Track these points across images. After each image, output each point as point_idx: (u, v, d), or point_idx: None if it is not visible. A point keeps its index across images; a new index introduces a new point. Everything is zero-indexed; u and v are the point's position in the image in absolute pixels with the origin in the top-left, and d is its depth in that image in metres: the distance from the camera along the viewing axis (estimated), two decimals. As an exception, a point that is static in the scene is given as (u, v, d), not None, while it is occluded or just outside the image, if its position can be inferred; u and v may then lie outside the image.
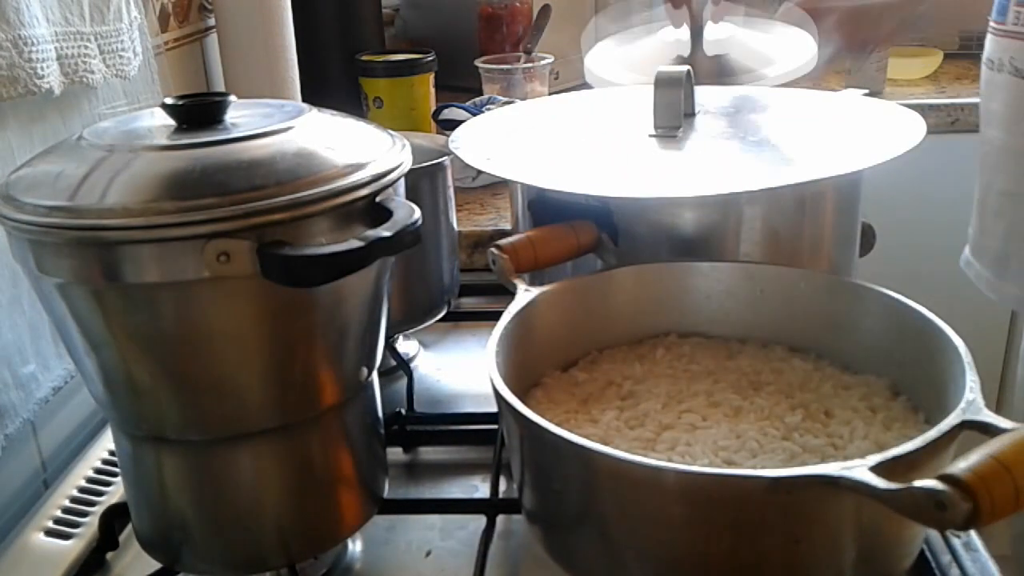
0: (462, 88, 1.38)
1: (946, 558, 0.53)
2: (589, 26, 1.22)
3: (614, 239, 0.63)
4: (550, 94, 1.27)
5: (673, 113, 0.70)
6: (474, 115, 1.06)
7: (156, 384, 0.48)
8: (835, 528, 0.42)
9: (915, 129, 0.65)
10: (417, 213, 0.46)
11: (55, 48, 0.69)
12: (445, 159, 0.76)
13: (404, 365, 0.76)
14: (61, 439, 0.73)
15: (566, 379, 0.58)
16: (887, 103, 0.74)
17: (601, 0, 1.70)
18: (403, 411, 0.72)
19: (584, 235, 0.61)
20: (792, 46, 1.03)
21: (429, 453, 0.70)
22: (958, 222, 1.49)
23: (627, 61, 1.09)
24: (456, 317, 0.91)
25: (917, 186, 1.38)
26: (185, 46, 1.10)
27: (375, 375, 0.56)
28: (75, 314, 0.46)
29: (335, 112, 0.53)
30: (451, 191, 0.78)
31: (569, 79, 1.56)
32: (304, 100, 0.97)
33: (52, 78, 0.68)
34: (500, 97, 1.24)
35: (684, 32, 1.07)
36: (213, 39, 1.14)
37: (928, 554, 0.53)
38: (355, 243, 0.43)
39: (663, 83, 0.70)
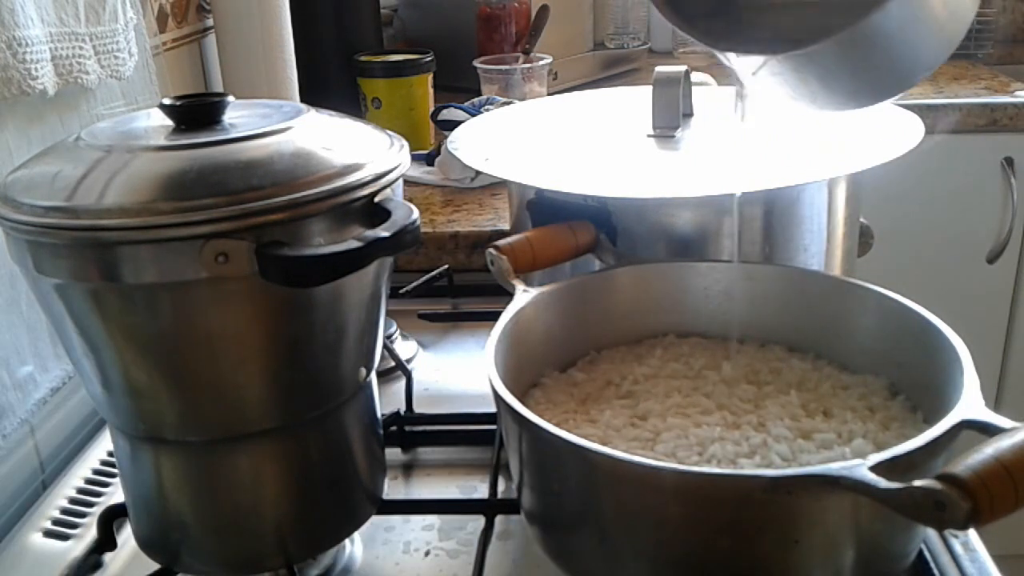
0: (461, 88, 1.38)
1: (945, 558, 0.53)
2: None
3: (613, 239, 0.63)
4: (549, 94, 1.27)
5: (671, 113, 0.70)
6: (473, 115, 1.06)
7: (154, 385, 0.48)
8: (834, 528, 0.42)
9: (913, 130, 0.65)
10: (415, 213, 0.46)
11: (49, 49, 0.69)
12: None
13: (402, 366, 0.76)
14: (59, 440, 0.73)
15: (565, 379, 0.58)
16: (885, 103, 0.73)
17: (600, 0, 1.70)
18: (402, 411, 0.71)
19: (583, 235, 0.61)
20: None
21: (428, 453, 0.70)
22: (956, 222, 1.50)
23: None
24: (455, 317, 0.91)
25: (915, 187, 1.38)
26: (183, 46, 1.10)
27: (374, 375, 0.56)
28: (73, 315, 0.46)
29: (333, 113, 0.53)
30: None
31: (568, 79, 1.56)
32: (302, 101, 0.97)
33: (46, 79, 0.67)
34: (499, 97, 1.24)
35: None
36: (211, 40, 1.14)
37: (927, 554, 0.53)
38: (353, 243, 0.43)
39: (661, 83, 0.70)
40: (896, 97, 0.52)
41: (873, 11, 0.43)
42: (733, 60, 0.50)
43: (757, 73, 0.49)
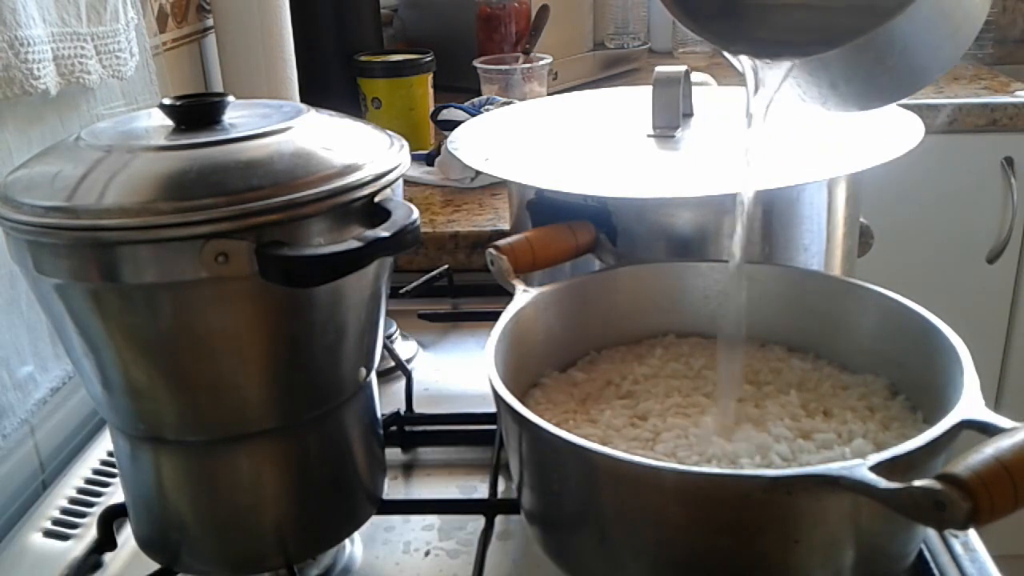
0: (461, 88, 1.38)
1: (945, 558, 0.53)
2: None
3: (612, 239, 0.63)
4: (548, 94, 1.27)
5: (671, 113, 0.70)
6: (473, 115, 1.06)
7: (154, 385, 0.48)
8: (834, 528, 0.42)
9: (913, 130, 0.65)
10: (415, 213, 0.46)
11: (51, 49, 0.69)
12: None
13: (402, 366, 0.76)
14: (59, 440, 0.73)
15: (565, 379, 0.58)
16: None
17: (600, 0, 1.70)
18: (402, 411, 0.72)
19: (582, 235, 0.61)
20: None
21: (428, 453, 0.70)
22: (956, 222, 1.50)
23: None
24: (455, 317, 0.91)
25: (915, 187, 1.38)
26: (183, 46, 1.10)
27: (374, 375, 0.56)
28: (73, 315, 0.46)
29: (333, 113, 0.53)
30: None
31: (568, 79, 1.56)
32: (302, 100, 0.97)
33: (48, 79, 0.67)
34: (499, 97, 1.24)
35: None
36: (211, 40, 1.14)
37: (927, 554, 0.53)
38: (353, 243, 0.43)
39: (661, 83, 0.70)
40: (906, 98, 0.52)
41: (896, 15, 0.43)
42: (744, 62, 0.50)
43: (768, 75, 0.49)
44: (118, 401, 0.49)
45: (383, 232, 0.44)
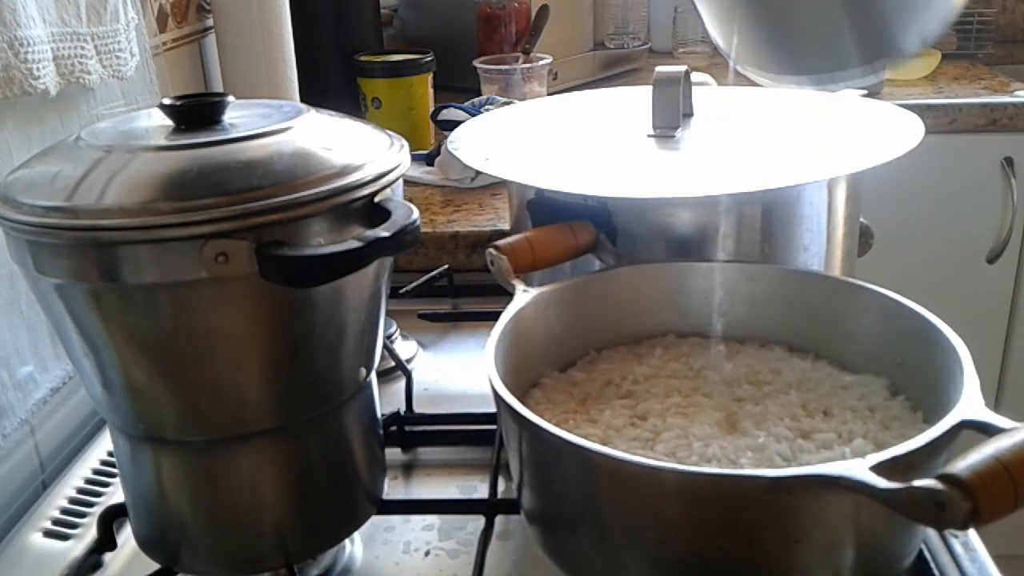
0: (461, 88, 1.38)
1: (945, 558, 0.53)
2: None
3: (612, 239, 0.63)
4: (548, 94, 1.27)
5: (671, 113, 0.70)
6: (473, 115, 1.06)
7: (154, 385, 0.48)
8: (834, 528, 0.42)
9: (913, 130, 0.65)
10: (415, 213, 0.46)
11: (51, 49, 0.69)
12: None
13: (402, 366, 0.76)
14: (59, 440, 0.73)
15: (565, 379, 0.58)
16: (885, 104, 0.74)
17: (600, 0, 1.70)
18: (402, 411, 0.72)
19: (582, 235, 0.61)
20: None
21: (428, 453, 0.70)
22: (956, 222, 1.50)
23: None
24: (455, 317, 0.91)
25: (915, 187, 1.38)
26: (183, 46, 1.10)
27: (374, 375, 0.56)
28: (73, 315, 0.46)
29: (333, 113, 0.53)
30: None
31: (568, 79, 1.56)
32: (302, 100, 0.97)
33: (48, 79, 0.67)
34: (499, 97, 1.24)
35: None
36: (211, 40, 1.14)
37: (927, 554, 0.53)
38: (353, 243, 0.43)
39: (661, 83, 0.70)
40: (881, 71, 0.50)
41: None
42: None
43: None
44: (118, 401, 0.49)
45: (383, 232, 0.44)
